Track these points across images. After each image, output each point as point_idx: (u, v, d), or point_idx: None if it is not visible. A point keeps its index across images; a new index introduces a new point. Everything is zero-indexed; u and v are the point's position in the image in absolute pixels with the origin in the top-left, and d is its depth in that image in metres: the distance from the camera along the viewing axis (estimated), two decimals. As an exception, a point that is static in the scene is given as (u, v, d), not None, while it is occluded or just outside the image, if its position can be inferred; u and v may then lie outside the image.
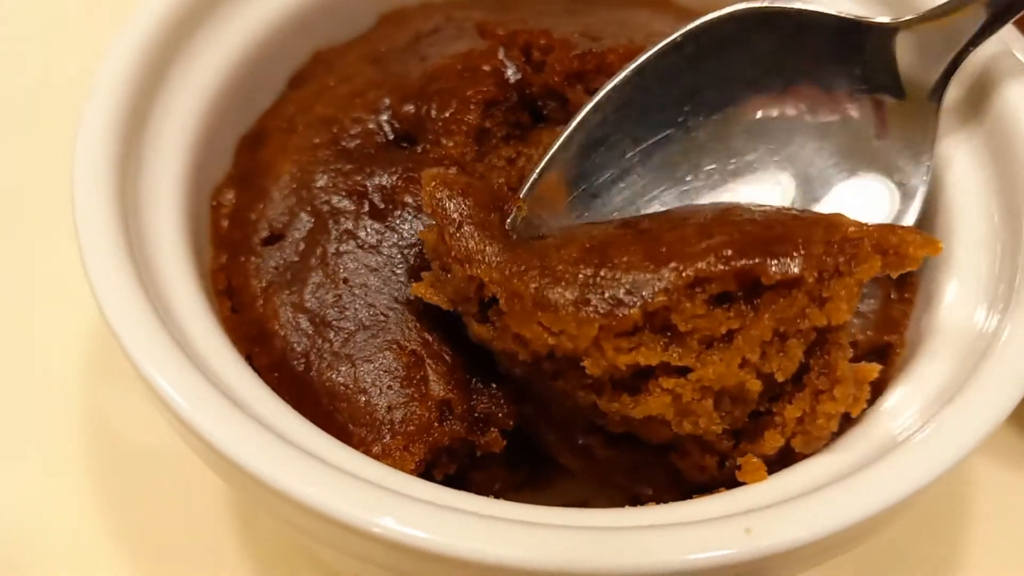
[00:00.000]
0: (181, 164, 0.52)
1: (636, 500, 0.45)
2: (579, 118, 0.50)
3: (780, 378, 0.43)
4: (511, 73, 0.54)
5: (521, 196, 0.48)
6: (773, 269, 0.42)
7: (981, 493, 0.65)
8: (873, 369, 0.45)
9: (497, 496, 0.49)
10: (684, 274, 0.41)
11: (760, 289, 0.42)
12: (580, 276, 0.42)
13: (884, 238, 0.43)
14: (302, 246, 0.50)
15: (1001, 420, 0.42)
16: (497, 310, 0.43)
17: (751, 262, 0.42)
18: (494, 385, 0.47)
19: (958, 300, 0.50)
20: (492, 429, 0.47)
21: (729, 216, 0.45)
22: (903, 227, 0.44)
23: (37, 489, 0.63)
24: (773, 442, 0.44)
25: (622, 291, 0.41)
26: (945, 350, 0.48)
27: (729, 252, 0.42)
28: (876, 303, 0.52)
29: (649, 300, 0.41)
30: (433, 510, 0.37)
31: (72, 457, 0.64)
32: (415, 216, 0.50)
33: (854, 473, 0.40)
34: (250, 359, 0.48)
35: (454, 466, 0.47)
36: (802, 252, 0.42)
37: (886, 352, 0.52)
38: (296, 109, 0.57)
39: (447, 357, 0.47)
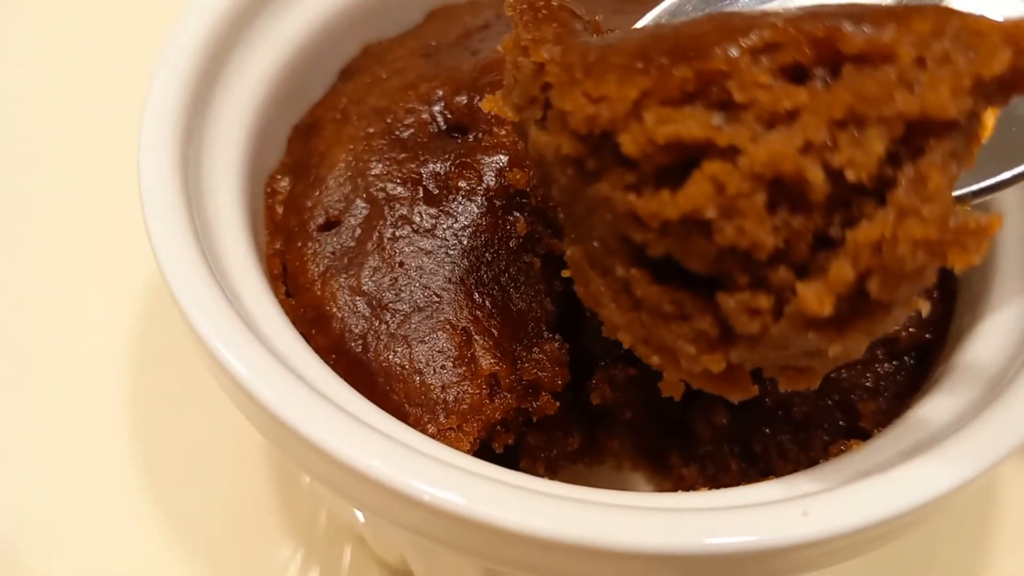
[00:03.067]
0: (239, 152, 0.53)
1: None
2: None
3: (852, 176, 0.34)
4: (563, 67, 0.55)
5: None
6: (854, 31, 0.34)
7: (1010, 493, 0.65)
8: (996, 221, 0.35)
9: (553, 465, 0.50)
10: (751, 37, 0.34)
11: (842, 66, 0.35)
12: (640, 45, 0.36)
13: (1022, 31, 0.34)
14: (359, 232, 0.51)
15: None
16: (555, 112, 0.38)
17: (830, 25, 0.34)
18: (538, 351, 0.48)
19: (1006, 299, 0.50)
20: (543, 393, 0.48)
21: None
22: None
23: (77, 475, 0.64)
24: (842, 274, 0.34)
25: (678, 56, 0.34)
26: (992, 348, 0.48)
27: (809, 18, 0.35)
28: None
29: (705, 62, 0.34)
30: (494, 485, 0.38)
31: (115, 446, 0.65)
32: (468, 199, 0.51)
33: (907, 462, 0.41)
34: (306, 341, 0.49)
35: (512, 436, 0.48)
36: (899, 24, 0.34)
37: (929, 349, 0.52)
38: (349, 100, 0.58)
39: (494, 331, 0.48)
